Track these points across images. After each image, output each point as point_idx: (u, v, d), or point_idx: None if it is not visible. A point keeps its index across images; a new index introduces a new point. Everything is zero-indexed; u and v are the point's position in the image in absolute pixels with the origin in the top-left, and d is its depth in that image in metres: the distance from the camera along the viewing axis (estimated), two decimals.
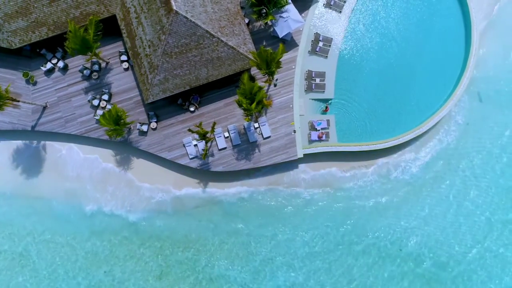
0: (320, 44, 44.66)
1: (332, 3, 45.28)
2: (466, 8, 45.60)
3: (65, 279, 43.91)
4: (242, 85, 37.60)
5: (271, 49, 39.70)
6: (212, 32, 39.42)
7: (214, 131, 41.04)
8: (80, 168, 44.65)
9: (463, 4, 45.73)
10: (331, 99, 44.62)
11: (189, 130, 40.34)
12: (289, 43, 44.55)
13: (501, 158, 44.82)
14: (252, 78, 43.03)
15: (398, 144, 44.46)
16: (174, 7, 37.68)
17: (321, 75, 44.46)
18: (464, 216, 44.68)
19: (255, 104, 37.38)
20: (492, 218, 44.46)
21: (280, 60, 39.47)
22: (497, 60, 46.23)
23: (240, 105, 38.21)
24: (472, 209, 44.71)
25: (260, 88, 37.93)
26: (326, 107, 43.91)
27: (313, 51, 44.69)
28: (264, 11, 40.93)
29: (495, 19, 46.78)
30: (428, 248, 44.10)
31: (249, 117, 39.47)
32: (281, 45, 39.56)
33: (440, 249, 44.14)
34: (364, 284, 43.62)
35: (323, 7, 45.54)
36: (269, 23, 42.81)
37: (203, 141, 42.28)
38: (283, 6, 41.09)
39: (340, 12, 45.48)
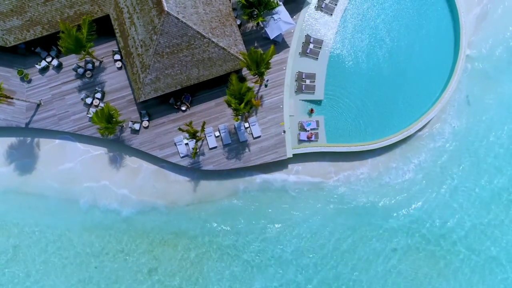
0: (311, 46, 45.31)
1: (323, 6, 45.95)
2: (455, 12, 46.15)
3: (56, 273, 44.44)
4: (231, 85, 38.28)
5: (261, 50, 40.38)
6: (203, 33, 40.10)
7: (204, 130, 41.69)
8: (73, 165, 45.23)
9: (453, 8, 46.27)
10: (320, 100, 45.22)
11: (180, 129, 40.99)
12: (280, 44, 45.21)
13: (486, 159, 45.48)
14: (242, 79, 43.72)
15: (387, 145, 45.00)
16: (166, 8, 38.36)
17: (311, 76, 45.11)
18: (452, 216, 45.25)
19: (244, 104, 38.02)
20: (476, 221, 45.08)
21: (270, 61, 40.14)
22: (486, 63, 46.76)
23: (229, 105, 38.86)
24: (458, 210, 45.31)
25: (249, 88, 38.60)
26: (311, 110, 44.44)
27: (304, 52, 45.34)
28: (255, 12, 41.54)
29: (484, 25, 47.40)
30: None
31: (239, 117, 40.08)
32: (272, 47, 40.24)
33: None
34: (349, 279, 44.29)
35: (314, 9, 46.20)
36: (261, 24, 43.45)
37: (194, 140, 42.92)
38: (274, 8, 41.75)
39: (331, 14, 46.13)
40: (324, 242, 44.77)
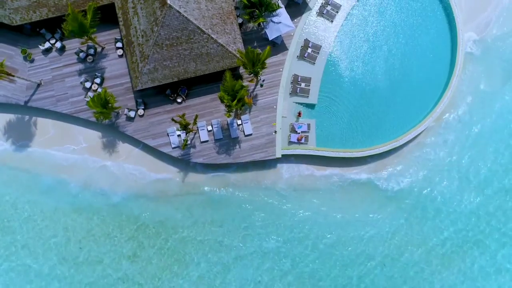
0: (309, 50, 46.14)
1: (324, 12, 46.74)
2: (454, 30, 46.84)
3: (42, 250, 45.48)
4: (225, 82, 39.20)
5: (258, 50, 41.28)
6: (203, 29, 41.04)
7: (196, 123, 42.62)
8: (67, 147, 46.23)
9: (452, 26, 46.97)
10: (314, 105, 46.03)
11: (172, 119, 41.94)
12: (279, 46, 46.08)
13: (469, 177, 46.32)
14: (239, 77, 44.62)
15: (374, 154, 45.77)
16: (168, 1, 39.38)
17: (307, 80, 45.93)
18: (432, 229, 45.94)
19: (236, 101, 38.91)
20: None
21: (266, 61, 41.01)
22: (481, 81, 47.47)
23: (222, 101, 39.77)
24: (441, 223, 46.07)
25: (242, 86, 39.52)
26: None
27: (302, 56, 46.17)
28: (256, 13, 42.41)
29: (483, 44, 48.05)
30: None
31: (231, 113, 40.97)
32: (268, 48, 41.11)
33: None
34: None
35: (316, 15, 47.01)
36: (261, 25, 44.32)
37: (190, 132, 43.84)
38: (275, 10, 42.61)
39: (332, 21, 46.94)
40: (304, 239, 45.71)
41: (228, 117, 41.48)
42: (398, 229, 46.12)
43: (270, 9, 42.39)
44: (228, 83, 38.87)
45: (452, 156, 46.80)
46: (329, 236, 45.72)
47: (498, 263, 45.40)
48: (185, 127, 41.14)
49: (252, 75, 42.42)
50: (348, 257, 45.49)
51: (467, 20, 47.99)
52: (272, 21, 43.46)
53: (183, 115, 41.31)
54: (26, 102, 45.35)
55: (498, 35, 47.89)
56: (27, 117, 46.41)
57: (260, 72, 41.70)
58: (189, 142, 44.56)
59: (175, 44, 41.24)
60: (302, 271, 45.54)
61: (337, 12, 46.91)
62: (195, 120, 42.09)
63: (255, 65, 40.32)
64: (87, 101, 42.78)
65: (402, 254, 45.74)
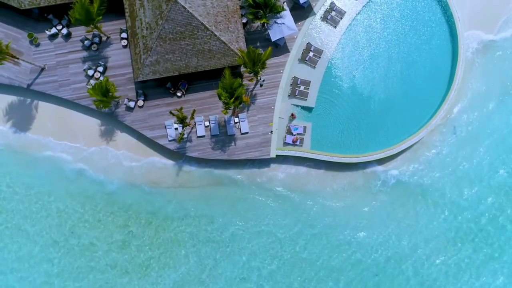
0: (311, 54, 46.67)
1: (329, 17, 47.26)
2: (456, 43, 47.27)
3: (33, 232, 46.18)
4: (224, 79, 39.82)
5: (260, 50, 41.88)
6: (207, 25, 41.69)
7: (193, 118, 43.24)
8: (65, 132, 46.91)
9: (454, 39, 47.41)
10: (311, 108, 46.56)
11: (170, 112, 42.60)
12: (281, 48, 46.66)
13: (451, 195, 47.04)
14: (239, 75, 45.21)
15: (367, 161, 46.26)
16: None
17: (306, 83, 46.47)
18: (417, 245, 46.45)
19: (234, 99, 39.51)
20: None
21: (266, 62, 41.59)
22: (477, 100, 47.86)
23: (220, 98, 40.37)
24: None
25: (241, 84, 40.11)
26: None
27: (303, 59, 46.71)
28: (260, 13, 42.97)
29: (484, 61, 48.42)
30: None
31: (228, 110, 41.56)
32: (269, 49, 41.70)
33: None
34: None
35: (320, 19, 47.53)
36: (265, 26, 44.89)
37: (187, 126, 44.44)
38: (279, 12, 43.17)
39: (335, 27, 47.44)
40: (296, 240, 46.43)
41: (225, 114, 42.07)
42: (386, 239, 46.46)
43: (275, 11, 42.96)
44: (227, 80, 39.50)
45: (444, 169, 47.11)
46: (318, 237, 46.19)
47: None
48: (182, 120, 41.76)
49: (252, 74, 42.95)
50: (336, 259, 45.95)
51: (470, 35, 48.33)
52: (276, 22, 44.04)
53: (181, 108, 41.95)
54: (29, 85, 46.10)
55: (499, 48, 48.16)
56: (28, 100, 47.17)
57: (260, 72, 42.29)
58: (185, 136, 45.18)
59: (178, 38, 41.89)
60: (290, 270, 45.98)
61: (341, 18, 47.40)
62: (192, 114, 42.72)
63: (256, 64, 40.91)
64: (88, 89, 43.41)
65: (389, 260, 46.15)
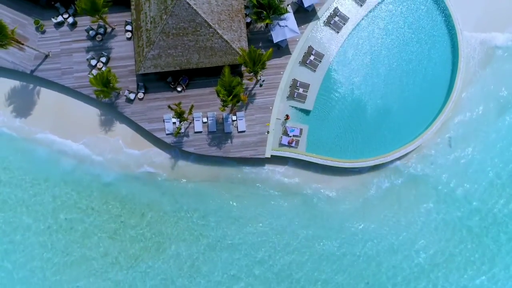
0: (312, 57, 47.11)
1: (332, 22, 47.68)
2: (456, 57, 47.63)
3: (27, 216, 46.78)
4: (223, 77, 40.33)
5: (261, 50, 42.31)
6: (210, 23, 42.21)
7: (191, 113, 43.77)
8: (65, 120, 47.49)
9: (455, 53, 47.78)
10: (309, 111, 46.99)
11: (169, 106, 43.12)
12: (283, 50, 47.13)
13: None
14: (240, 74, 45.70)
15: (362, 167, 46.68)
16: None
17: (306, 86, 46.91)
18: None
19: (231, 97, 40.01)
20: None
21: (266, 62, 42.07)
22: (474, 112, 48.19)
23: (218, 95, 40.89)
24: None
25: (239, 83, 40.59)
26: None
27: (304, 62, 47.15)
28: (263, 14, 43.43)
29: (483, 75, 48.74)
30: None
31: (225, 108, 42.06)
32: (270, 49, 42.18)
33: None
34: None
35: (323, 24, 47.96)
36: (268, 27, 45.34)
37: (184, 121, 44.96)
38: (282, 13, 43.62)
39: (338, 32, 47.85)
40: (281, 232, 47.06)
41: (222, 111, 42.58)
42: (375, 243, 46.95)
43: (278, 13, 43.41)
44: (226, 78, 40.02)
45: (438, 181, 47.47)
46: (305, 238, 46.69)
47: None
48: (179, 115, 42.28)
49: (252, 73, 43.43)
50: (321, 255, 46.64)
51: (472, 47, 48.77)
52: (278, 24, 44.51)
53: (179, 103, 42.49)
54: (32, 71, 46.74)
55: (500, 61, 48.68)
56: (31, 86, 47.80)
57: (260, 72, 42.74)
58: (182, 130, 45.71)
59: (181, 34, 42.43)
60: (279, 269, 46.53)
61: (344, 24, 47.82)
62: (190, 110, 43.24)
63: (256, 64, 41.36)
64: (90, 78, 43.99)
65: (380, 265, 46.64)
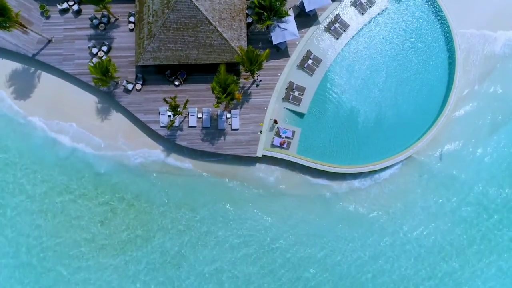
0: (310, 61, 47.68)
1: (332, 28, 48.24)
2: (453, 72, 48.12)
3: (18, 199, 47.50)
4: (219, 74, 40.95)
5: (259, 51, 42.95)
6: (211, 20, 42.86)
7: (186, 107, 44.39)
8: (63, 106, 48.16)
9: (452, 68, 48.27)
10: (303, 114, 47.55)
11: (164, 99, 43.76)
12: (282, 52, 47.72)
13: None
14: (237, 73, 46.30)
15: (350, 173, 47.23)
16: None
17: (301, 89, 47.49)
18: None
19: (226, 94, 40.63)
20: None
21: (263, 63, 42.68)
22: (467, 128, 48.68)
23: (213, 91, 41.52)
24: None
25: (234, 81, 41.20)
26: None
27: (301, 66, 47.73)
28: (264, 15, 44.02)
29: (478, 91, 49.27)
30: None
31: (219, 104, 42.69)
32: (267, 50, 42.81)
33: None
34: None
35: (323, 29, 48.53)
36: (269, 28, 45.92)
37: (178, 115, 45.61)
38: (283, 16, 44.21)
39: (337, 39, 48.40)
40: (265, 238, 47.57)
41: (216, 107, 43.20)
42: (354, 249, 47.53)
43: (279, 15, 44.00)
44: (222, 76, 40.63)
45: (423, 195, 47.98)
46: (287, 240, 47.24)
47: None
48: (174, 108, 42.91)
49: (248, 73, 44.02)
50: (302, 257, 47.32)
51: (469, 64, 49.36)
52: (279, 26, 45.10)
53: (175, 97, 43.16)
54: (34, 55, 47.50)
55: (493, 85, 49.14)
56: (32, 70, 48.55)
57: (256, 71, 43.34)
58: (176, 124, 46.35)
59: (182, 29, 43.09)
60: (263, 263, 47.23)
61: (344, 30, 48.37)
62: (185, 104, 43.87)
63: (253, 64, 41.96)
64: (89, 66, 44.66)
65: (350, 266, 47.09)
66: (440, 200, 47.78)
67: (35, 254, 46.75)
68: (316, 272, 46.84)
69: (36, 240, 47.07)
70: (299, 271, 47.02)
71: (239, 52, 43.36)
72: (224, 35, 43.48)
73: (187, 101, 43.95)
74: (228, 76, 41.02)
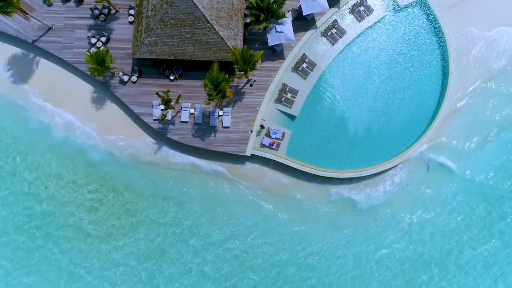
0: (304, 65, 48.20)
1: (329, 34, 48.74)
2: (446, 82, 48.57)
3: (10, 183, 48.29)
4: (212, 71, 41.55)
5: (253, 51, 43.47)
6: (208, 18, 43.45)
7: (178, 102, 45.00)
8: (59, 92, 48.85)
9: (445, 80, 48.71)
10: (294, 116, 48.06)
11: (157, 93, 44.38)
12: (278, 54, 48.27)
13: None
14: (232, 71, 46.86)
15: (337, 178, 47.71)
16: None
17: (294, 92, 48.02)
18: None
19: (217, 91, 41.22)
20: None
21: (257, 63, 43.25)
22: (455, 142, 49.13)
23: (205, 88, 42.13)
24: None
25: (226, 80, 41.78)
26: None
27: (296, 69, 48.27)
28: (261, 16, 44.55)
29: (470, 104, 49.65)
30: None
31: (210, 101, 43.28)
32: (261, 51, 43.47)
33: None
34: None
35: (320, 34, 49.03)
36: (266, 29, 46.47)
37: (170, 109, 46.24)
38: (280, 18, 44.73)
39: (333, 44, 48.89)
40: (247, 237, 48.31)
41: (207, 104, 43.77)
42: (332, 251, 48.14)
43: (276, 17, 44.52)
44: (214, 73, 41.23)
45: (413, 200, 48.41)
46: (270, 238, 47.94)
47: None
48: (166, 102, 43.53)
49: (242, 72, 44.57)
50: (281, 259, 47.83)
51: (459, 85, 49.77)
52: (275, 28, 45.63)
53: (168, 91, 43.76)
54: (33, 41, 48.24)
55: (482, 98, 49.59)
56: (31, 55, 49.27)
57: (249, 71, 43.90)
58: (169, 118, 46.97)
59: (179, 25, 43.71)
60: (244, 259, 47.90)
61: (340, 37, 48.85)
62: (177, 99, 44.47)
63: (246, 64, 42.52)
64: (86, 55, 45.31)
65: (327, 267, 47.60)
66: (421, 212, 48.20)
67: (24, 232, 47.52)
68: (296, 270, 47.39)
69: (24, 224, 47.84)
70: (278, 267, 47.50)
71: (233, 51, 43.87)
72: (221, 33, 44.06)
73: (179, 96, 44.56)
74: (220, 74, 41.61)
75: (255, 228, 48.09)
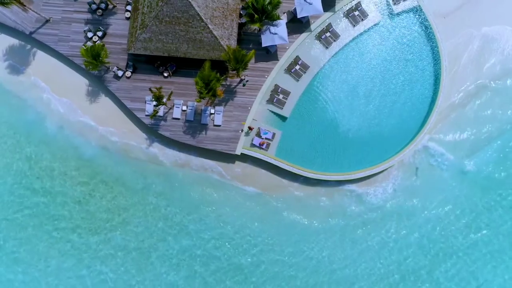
0: (297, 67, 48.62)
1: (323, 37, 49.15)
2: (437, 90, 48.94)
3: (2, 171, 48.87)
4: (203, 70, 42.02)
5: (244, 51, 43.89)
6: (203, 17, 43.93)
7: (170, 99, 45.47)
8: (55, 85, 49.46)
9: (437, 85, 49.09)
10: (285, 117, 48.49)
11: (150, 89, 44.87)
12: (271, 55, 48.70)
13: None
14: (224, 70, 47.33)
15: (325, 180, 48.13)
16: None
17: (286, 93, 48.45)
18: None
19: (207, 90, 41.70)
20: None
21: (248, 63, 43.69)
22: (445, 147, 49.50)
23: (196, 85, 42.61)
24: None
25: (217, 78, 42.24)
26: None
27: (289, 70, 48.70)
28: (255, 17, 44.96)
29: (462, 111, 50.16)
30: None
31: (201, 99, 43.75)
32: (252, 51, 43.94)
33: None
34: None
35: (314, 37, 49.44)
36: (260, 30, 46.92)
37: (162, 105, 46.72)
38: (274, 20, 45.16)
39: (327, 48, 49.30)
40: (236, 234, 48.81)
41: (198, 102, 44.23)
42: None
43: (270, 18, 44.94)
44: (206, 72, 41.70)
45: (399, 206, 48.87)
46: (253, 238, 48.41)
47: None
48: (158, 98, 44.02)
49: (234, 71, 45.03)
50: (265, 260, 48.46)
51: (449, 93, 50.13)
52: (269, 29, 46.05)
53: (160, 87, 44.25)
54: (31, 33, 48.80)
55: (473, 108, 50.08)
56: (28, 47, 49.88)
57: (241, 71, 44.35)
58: (161, 114, 47.44)
59: (173, 22, 44.19)
60: (230, 256, 48.42)
61: (334, 40, 49.25)
62: (169, 96, 44.95)
63: (238, 63, 42.99)
64: (81, 49, 45.81)
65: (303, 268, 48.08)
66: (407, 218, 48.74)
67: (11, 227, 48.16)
68: (282, 268, 47.99)
69: (14, 214, 48.51)
70: (261, 265, 48.05)
71: (226, 50, 44.32)
72: (215, 32, 44.54)
73: (171, 93, 45.06)
74: (212, 73, 42.07)
75: (244, 226, 48.46)
